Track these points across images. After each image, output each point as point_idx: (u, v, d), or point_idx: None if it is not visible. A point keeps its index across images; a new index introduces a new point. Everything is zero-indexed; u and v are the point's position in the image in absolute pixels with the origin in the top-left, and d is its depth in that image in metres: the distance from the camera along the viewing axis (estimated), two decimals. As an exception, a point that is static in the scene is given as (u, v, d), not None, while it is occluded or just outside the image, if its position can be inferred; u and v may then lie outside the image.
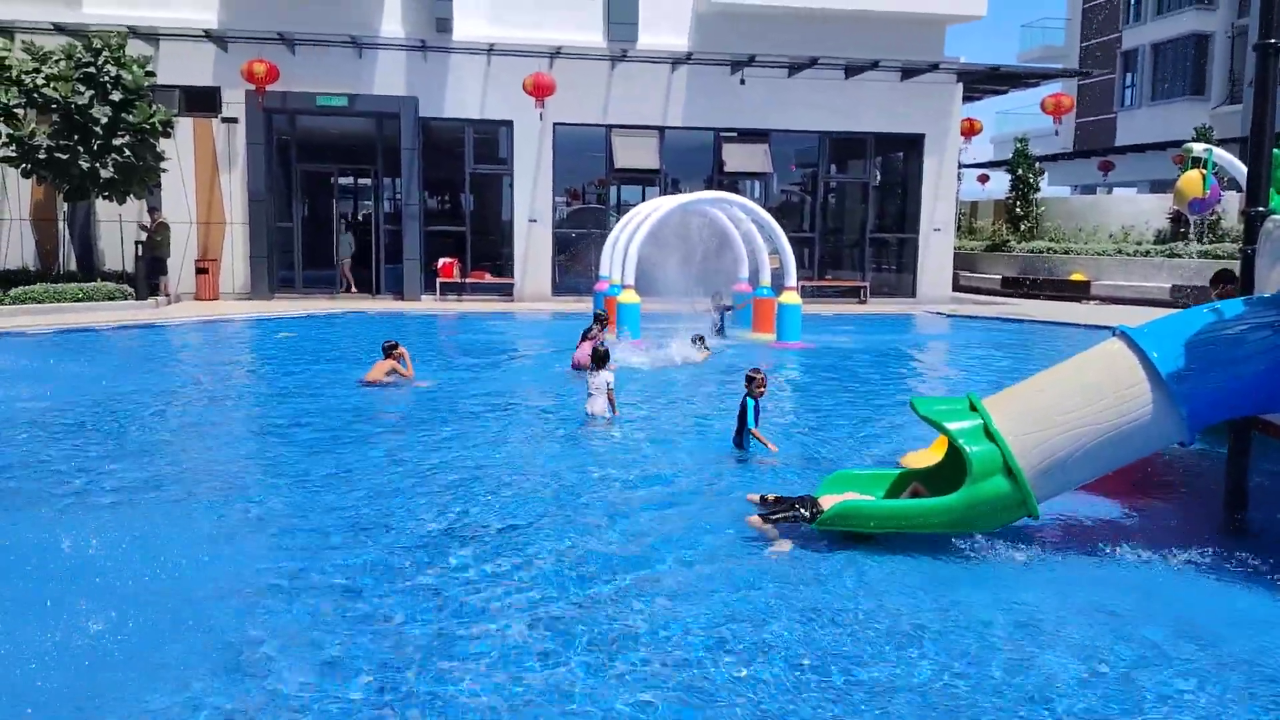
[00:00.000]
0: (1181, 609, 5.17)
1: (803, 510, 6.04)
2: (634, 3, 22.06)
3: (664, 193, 21.92)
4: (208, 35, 19.94)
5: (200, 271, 20.67)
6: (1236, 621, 5.02)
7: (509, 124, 21.87)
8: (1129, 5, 43.91)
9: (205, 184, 20.90)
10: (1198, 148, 14.09)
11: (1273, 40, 6.41)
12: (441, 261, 22.09)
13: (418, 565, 5.54)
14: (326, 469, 7.60)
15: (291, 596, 5.06)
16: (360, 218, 25.55)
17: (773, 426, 9.66)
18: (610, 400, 9.31)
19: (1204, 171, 12.65)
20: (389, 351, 11.29)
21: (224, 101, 20.69)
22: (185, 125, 20.41)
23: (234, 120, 20.71)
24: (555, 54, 21.09)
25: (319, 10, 20.50)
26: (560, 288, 22.72)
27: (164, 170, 19.32)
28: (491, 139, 22.60)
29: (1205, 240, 24.05)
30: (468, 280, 22.32)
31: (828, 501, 6.11)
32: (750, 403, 8.12)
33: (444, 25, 21.05)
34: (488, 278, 22.49)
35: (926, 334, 19.17)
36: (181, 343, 15.59)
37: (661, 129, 22.59)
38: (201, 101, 20.72)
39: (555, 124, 21.86)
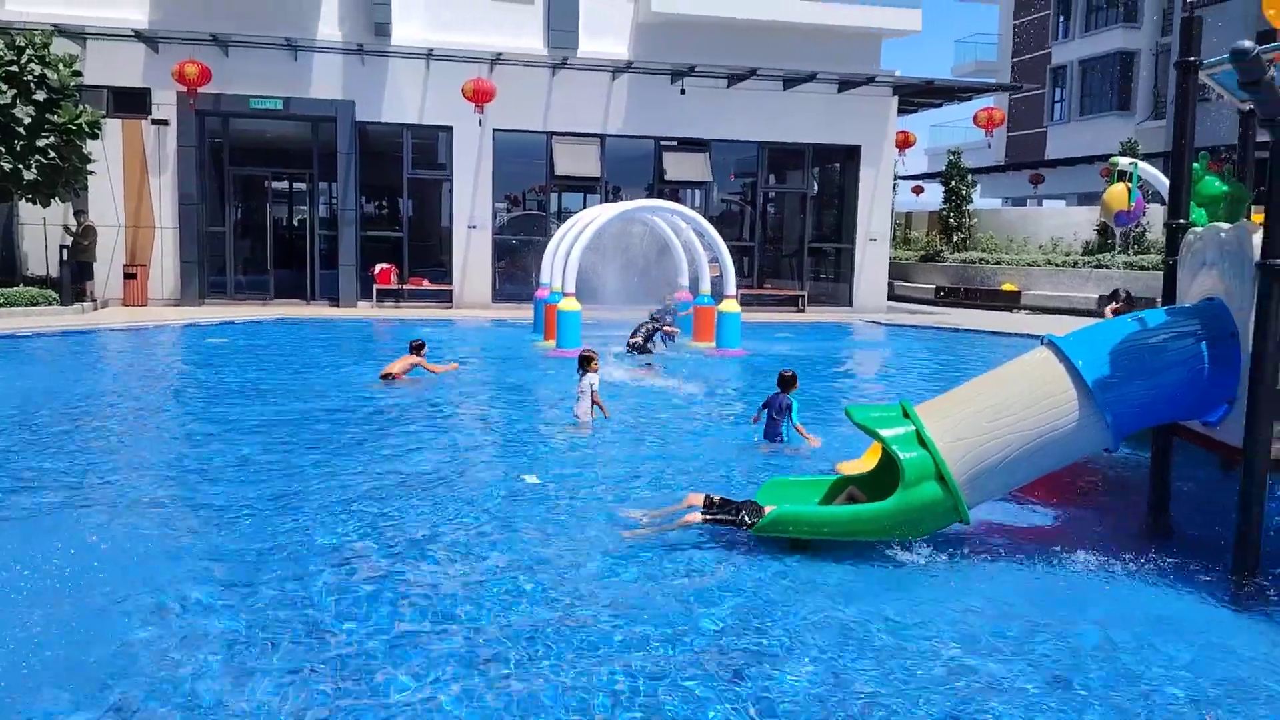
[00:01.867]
0: (1107, 612, 5.30)
1: (745, 516, 6.08)
2: (574, 10, 22.07)
3: (605, 200, 21.93)
4: (137, 35, 19.48)
5: (128, 276, 20.14)
6: (1160, 624, 5.16)
7: (448, 129, 21.71)
8: (1058, 22, 45.11)
9: (134, 187, 20.39)
10: (1123, 162, 14.53)
11: (1192, 58, 6.63)
12: (378, 267, 21.83)
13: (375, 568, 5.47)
14: (290, 472, 7.46)
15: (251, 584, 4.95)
16: (297, 222, 25.14)
17: (713, 434, 9.75)
18: (596, 402, 9.37)
19: (1129, 185, 13.02)
20: (417, 350, 11.81)
21: (154, 103, 20.20)
22: (114, 127, 19.89)
23: (165, 122, 20.25)
24: (495, 60, 21.00)
25: (253, 12, 20.15)
26: (500, 294, 22.59)
27: (91, 172, 18.81)
28: (430, 144, 22.41)
29: (1131, 251, 24.75)
30: (405, 286, 22.08)
31: (766, 508, 6.16)
32: (794, 402, 8.76)
33: (382, 29, 20.84)
34: (426, 284, 22.27)
35: (862, 342, 19.46)
36: (109, 349, 15.16)
37: (602, 136, 22.61)
38: (131, 102, 20.21)
39: (495, 130, 21.74)
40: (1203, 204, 6.88)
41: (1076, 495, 7.40)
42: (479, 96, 19.73)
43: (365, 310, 21.06)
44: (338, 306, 21.29)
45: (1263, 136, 5.64)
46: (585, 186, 23.37)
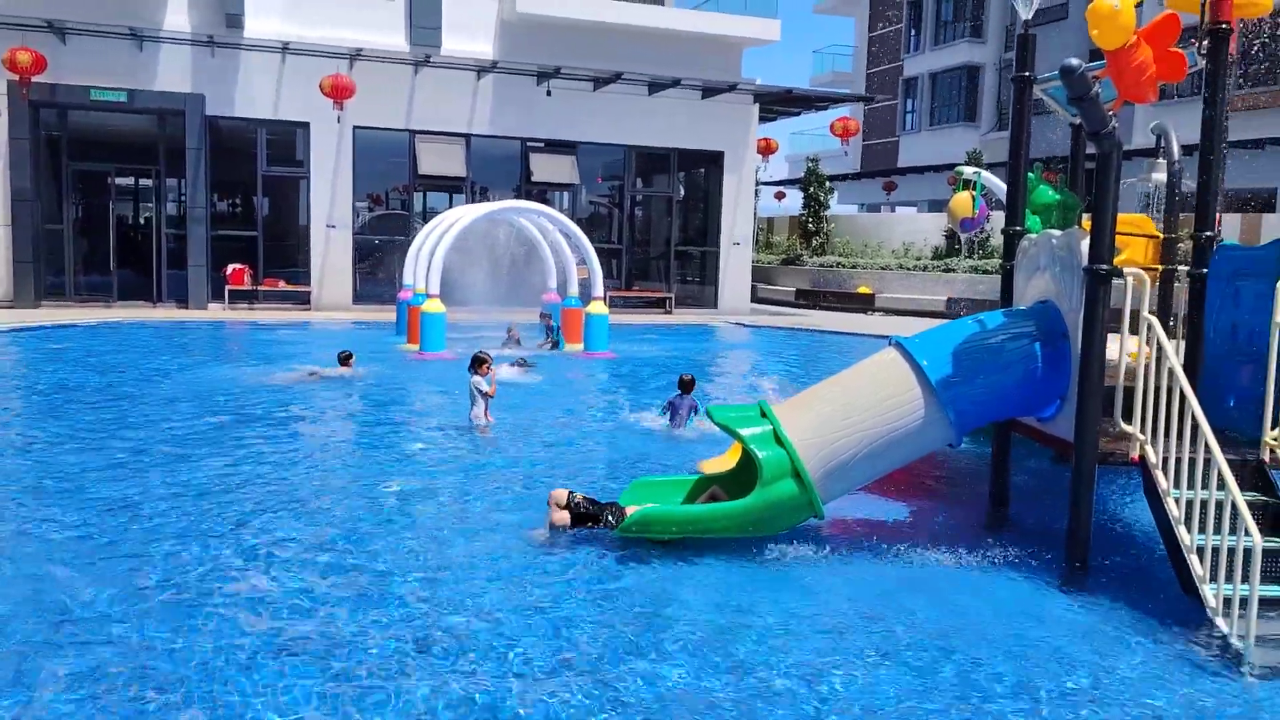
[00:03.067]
0: (952, 600, 5.56)
1: (609, 517, 6.12)
2: (438, 8, 21.75)
3: (471, 201, 21.69)
4: (-39, 17, 18.17)
5: (-48, 276, 18.77)
6: (999, 610, 5.45)
7: (305, 125, 21.04)
8: (910, 36, 47.05)
9: (-42, 180, 19.00)
10: (968, 171, 15.22)
11: (1026, 73, 7.03)
12: (231, 268, 20.97)
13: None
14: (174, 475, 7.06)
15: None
16: (143, 220, 23.90)
17: (580, 435, 9.77)
18: (485, 401, 9.43)
19: (973, 193, 13.65)
20: (344, 361, 12.34)
21: (-19, 91, 18.90)
22: (-66, 115, 18.51)
23: (-7, 112, 18.96)
24: (355, 55, 20.48)
25: (93, -3, 19.07)
26: (361, 296, 22.03)
27: (-92, 164, 17.44)
28: (287, 140, 21.68)
29: (975, 256, 26.03)
30: (260, 288, 21.28)
31: (630, 509, 6.21)
32: (699, 403, 9.48)
33: (234, 20, 20.04)
34: (282, 285, 21.52)
35: (727, 343, 19.83)
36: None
37: (468, 136, 22.34)
38: (-46, 90, 18.84)
39: (355, 127, 21.21)
40: (1037, 212, 7.31)
41: (923, 489, 7.74)
42: (338, 93, 19.20)
43: (216, 312, 20.19)
44: (187, 308, 20.34)
45: (1091, 149, 6.01)
46: (451, 187, 23.05)
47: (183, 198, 21.03)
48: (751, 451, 6.15)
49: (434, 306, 14.64)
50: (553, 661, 4.54)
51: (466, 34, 22.03)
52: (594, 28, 22.35)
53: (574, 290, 16.95)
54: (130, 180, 23.32)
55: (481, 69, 21.79)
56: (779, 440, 6.14)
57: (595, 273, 15.96)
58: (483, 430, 9.42)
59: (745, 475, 6.51)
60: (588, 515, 6.18)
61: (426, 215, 21.95)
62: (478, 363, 9.42)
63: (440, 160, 22.12)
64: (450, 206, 21.26)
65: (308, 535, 6.24)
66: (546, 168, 23.06)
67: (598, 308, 15.83)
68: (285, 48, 20.13)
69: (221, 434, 9.18)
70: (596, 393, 12.79)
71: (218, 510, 6.68)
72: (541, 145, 23.11)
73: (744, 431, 6.24)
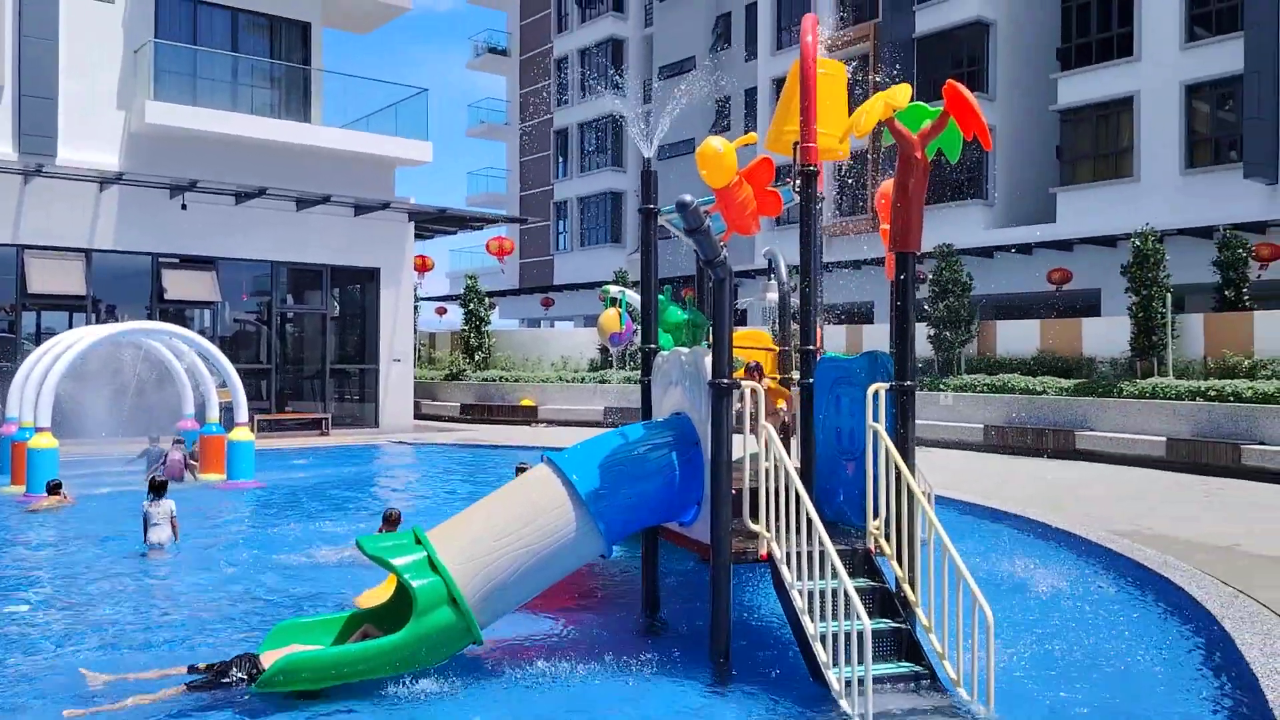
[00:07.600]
0: (610, 713, 5.64)
1: (238, 673, 5.55)
2: (52, 114, 19.91)
3: (96, 321, 19.69)
4: None
5: None
6: (655, 714, 5.59)
7: (-119, 239, 18.24)
8: (558, 163, 49.69)
9: None
10: (613, 289, 16.08)
11: (651, 205, 7.64)
12: None
13: None
14: None
15: None
16: None
17: (206, 580, 9.02)
18: (174, 527, 9.92)
19: (619, 310, 14.38)
20: (53, 490, 12.21)
21: None
22: None
23: None
24: (-52, 162, 18.18)
25: None
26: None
27: None
28: None
29: (628, 368, 27.44)
30: None
31: (270, 658, 5.72)
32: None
33: None
34: None
35: (388, 463, 19.28)
36: None
37: (89, 251, 20.39)
38: None
39: (-52, 241, 18.69)
40: (668, 330, 7.87)
41: (581, 600, 7.87)
42: (-76, 202, 16.85)
43: None
44: None
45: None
46: (70, 306, 20.80)
47: None
48: (405, 582, 5.96)
49: (44, 441, 12.97)
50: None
51: (87, 143, 20.31)
52: (233, 141, 21.48)
53: (214, 416, 15.71)
54: None
55: (105, 180, 20.12)
56: (434, 567, 6.00)
57: (238, 396, 14.96)
58: (163, 553, 9.69)
59: (403, 606, 6.27)
60: (211, 678, 5.55)
61: (40, 337, 19.61)
62: (161, 486, 9.83)
63: (55, 277, 19.96)
64: (70, 328, 19.15)
65: None
66: (182, 284, 21.50)
67: (241, 434, 14.81)
68: None
69: None
70: (237, 528, 11.81)
71: None
72: (176, 261, 21.60)
73: (396, 562, 6.04)
